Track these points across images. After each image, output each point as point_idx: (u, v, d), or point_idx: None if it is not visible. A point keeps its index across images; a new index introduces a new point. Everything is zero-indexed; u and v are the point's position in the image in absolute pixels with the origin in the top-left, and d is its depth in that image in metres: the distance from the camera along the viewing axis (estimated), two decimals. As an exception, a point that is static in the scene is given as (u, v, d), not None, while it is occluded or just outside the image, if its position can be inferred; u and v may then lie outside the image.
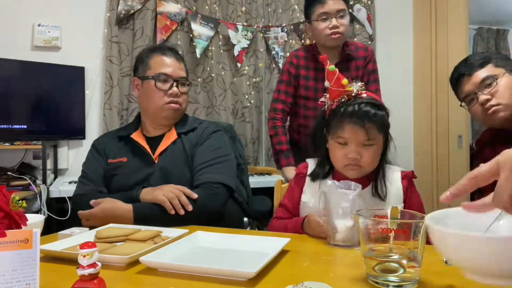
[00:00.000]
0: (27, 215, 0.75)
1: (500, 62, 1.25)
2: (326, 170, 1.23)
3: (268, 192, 1.69)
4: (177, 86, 1.44)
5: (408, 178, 1.19)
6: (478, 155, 1.39)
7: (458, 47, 2.98)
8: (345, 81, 1.12)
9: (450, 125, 3.03)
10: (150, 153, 1.43)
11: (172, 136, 1.47)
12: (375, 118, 1.10)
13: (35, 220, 0.99)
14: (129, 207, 1.25)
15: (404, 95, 3.25)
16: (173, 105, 1.44)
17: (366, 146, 1.12)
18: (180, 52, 1.57)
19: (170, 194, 1.24)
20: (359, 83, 1.14)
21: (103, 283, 0.69)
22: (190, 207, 1.24)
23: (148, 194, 1.28)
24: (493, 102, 1.21)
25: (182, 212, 1.23)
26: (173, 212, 1.23)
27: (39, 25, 2.57)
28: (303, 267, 0.86)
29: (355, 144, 1.11)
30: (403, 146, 3.18)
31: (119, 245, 0.99)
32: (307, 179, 1.25)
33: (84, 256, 0.66)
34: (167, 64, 1.45)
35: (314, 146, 1.26)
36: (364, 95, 1.13)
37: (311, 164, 1.27)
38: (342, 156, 1.14)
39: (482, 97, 1.21)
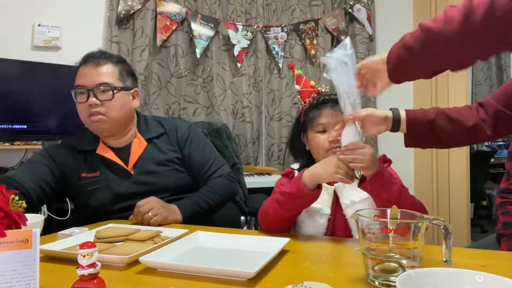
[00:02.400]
0: (26, 215, 0.75)
1: None
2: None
3: (268, 192, 1.69)
4: (95, 96, 1.33)
5: (380, 161, 1.20)
6: None
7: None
8: (312, 82, 1.26)
9: (450, 125, 3.02)
10: (124, 166, 1.39)
11: (141, 143, 1.42)
12: None
13: (35, 220, 0.99)
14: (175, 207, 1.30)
15: (404, 95, 3.25)
16: (93, 117, 1.33)
17: None
18: (107, 54, 1.44)
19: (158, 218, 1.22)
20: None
21: (102, 283, 0.69)
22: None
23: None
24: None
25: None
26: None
27: (39, 25, 2.57)
28: (303, 267, 0.86)
29: (334, 127, 1.16)
30: (403, 146, 3.17)
31: (118, 245, 0.99)
32: (296, 173, 1.27)
33: (84, 256, 0.66)
34: (82, 75, 1.36)
35: (293, 154, 1.31)
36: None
37: (295, 167, 1.30)
38: (323, 141, 1.19)
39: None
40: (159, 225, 1.21)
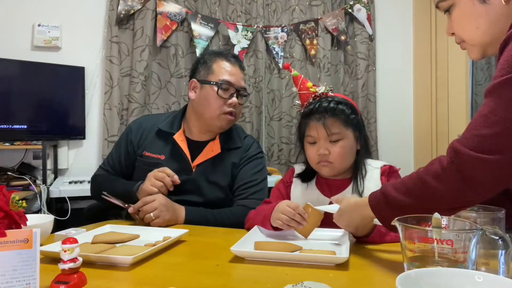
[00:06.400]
0: (36, 215, 0.76)
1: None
2: (308, 172, 1.25)
3: (268, 192, 1.69)
4: (237, 97, 1.40)
5: (385, 174, 1.19)
6: None
7: (458, 47, 2.97)
8: (309, 84, 1.21)
9: (450, 125, 3.03)
10: (190, 161, 1.39)
11: (215, 148, 1.42)
12: (335, 112, 1.14)
13: (45, 221, 0.99)
14: (182, 208, 1.29)
15: (404, 95, 3.25)
16: (229, 116, 1.39)
17: (333, 142, 1.15)
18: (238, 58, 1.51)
19: (157, 183, 1.27)
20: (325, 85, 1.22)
21: (83, 277, 0.71)
22: (176, 180, 1.30)
23: (143, 192, 1.28)
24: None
25: (171, 188, 1.29)
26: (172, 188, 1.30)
27: (39, 25, 2.57)
28: (303, 267, 0.86)
29: (322, 141, 1.15)
30: (403, 146, 3.17)
31: (118, 246, 0.98)
32: (294, 180, 1.28)
33: (65, 251, 0.69)
34: (230, 72, 1.40)
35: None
36: (331, 93, 1.19)
37: (298, 169, 1.29)
38: (313, 154, 1.17)
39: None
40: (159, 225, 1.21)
